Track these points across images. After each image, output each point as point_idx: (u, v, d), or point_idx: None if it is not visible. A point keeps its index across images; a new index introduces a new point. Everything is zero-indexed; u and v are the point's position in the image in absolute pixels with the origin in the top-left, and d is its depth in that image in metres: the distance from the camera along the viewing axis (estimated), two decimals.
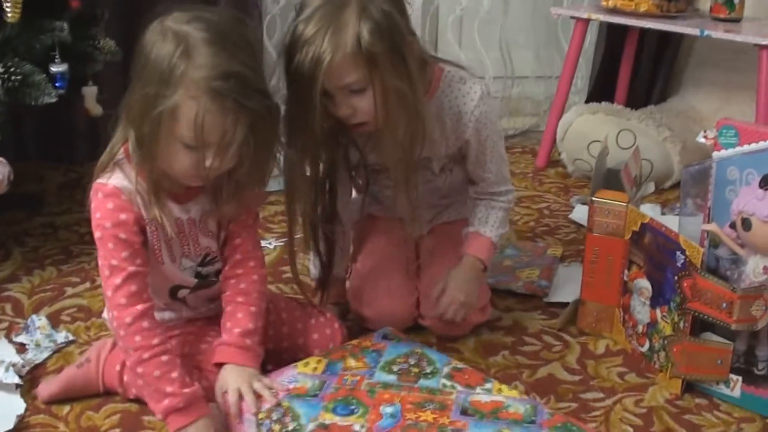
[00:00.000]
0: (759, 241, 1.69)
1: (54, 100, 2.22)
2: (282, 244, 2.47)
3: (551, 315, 2.14)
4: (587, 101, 3.37)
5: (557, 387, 1.84)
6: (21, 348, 1.95)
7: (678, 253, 1.77)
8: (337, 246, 2.01)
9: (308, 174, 1.86)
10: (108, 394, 1.77)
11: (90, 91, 2.50)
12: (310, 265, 2.06)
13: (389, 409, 1.62)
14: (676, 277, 1.78)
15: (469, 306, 1.96)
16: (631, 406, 1.79)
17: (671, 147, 2.95)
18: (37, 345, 1.96)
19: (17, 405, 1.74)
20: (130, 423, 1.71)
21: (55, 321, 2.08)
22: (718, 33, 2.80)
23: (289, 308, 1.90)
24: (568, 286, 2.23)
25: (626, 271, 1.95)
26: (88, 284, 2.28)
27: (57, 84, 2.27)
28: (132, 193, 1.62)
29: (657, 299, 1.85)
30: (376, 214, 2.12)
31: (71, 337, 2.00)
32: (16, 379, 1.79)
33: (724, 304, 1.71)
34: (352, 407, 1.63)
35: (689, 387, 1.84)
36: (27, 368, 1.86)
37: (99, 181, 1.64)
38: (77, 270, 2.36)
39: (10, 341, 1.98)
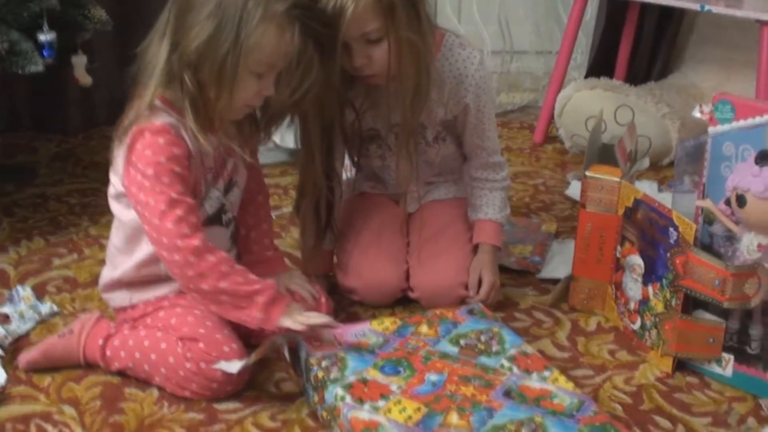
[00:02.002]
0: (754, 217, 1.66)
1: (41, 69, 2.20)
2: (275, 216, 2.45)
3: (543, 291, 2.11)
4: (586, 77, 3.34)
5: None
6: (4, 319, 1.93)
7: (671, 229, 1.74)
8: (335, 209, 2.01)
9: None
10: (89, 366, 1.75)
11: (79, 61, 2.47)
12: (300, 237, 2.04)
13: (434, 377, 1.61)
14: (668, 254, 1.76)
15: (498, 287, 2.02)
16: (621, 383, 1.77)
17: (670, 124, 2.92)
18: (21, 316, 1.93)
19: None
20: (112, 394, 1.69)
21: (40, 292, 2.06)
22: (718, 8, 2.76)
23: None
24: (561, 263, 2.20)
25: (619, 248, 1.92)
26: (75, 255, 2.26)
27: (44, 53, 2.24)
28: (178, 128, 1.64)
29: (649, 276, 1.83)
30: (368, 191, 2.11)
31: (56, 309, 1.98)
32: None
33: (717, 282, 1.68)
34: (400, 368, 1.63)
35: (680, 365, 1.81)
36: (10, 339, 1.84)
37: (141, 123, 1.63)
38: (65, 241, 2.34)
39: None
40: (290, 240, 2.29)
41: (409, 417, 1.50)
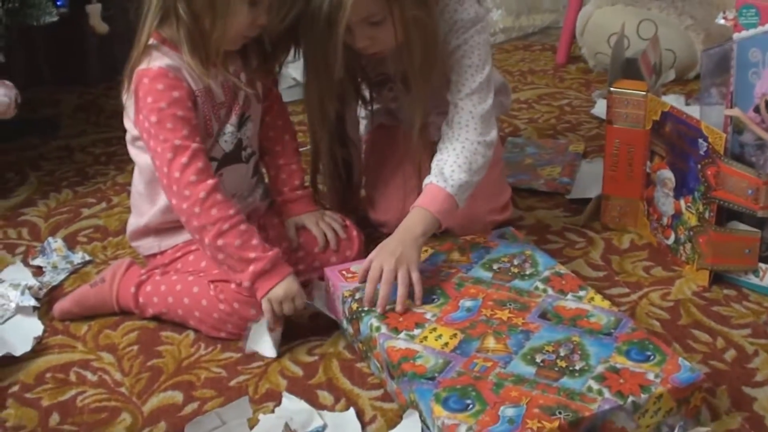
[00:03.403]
0: None
1: (56, 18, 2.19)
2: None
3: (574, 212, 2.09)
4: None
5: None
6: (38, 271, 1.94)
7: (700, 140, 1.72)
8: (354, 166, 2.01)
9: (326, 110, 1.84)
10: (123, 313, 1.76)
11: (94, 9, 2.47)
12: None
13: (468, 303, 1.61)
14: (699, 166, 1.73)
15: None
16: (658, 300, 1.75)
17: (694, 36, 2.87)
18: (54, 267, 1.95)
19: (35, 327, 1.73)
20: (149, 339, 1.70)
21: (71, 242, 2.06)
22: None
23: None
24: (591, 182, 2.18)
25: (648, 163, 1.90)
26: (104, 204, 2.27)
27: (58, 2, 2.23)
28: (177, 68, 1.62)
29: (681, 190, 1.80)
30: (387, 123, 2.08)
31: (88, 258, 1.99)
32: (33, 302, 1.78)
33: (750, 191, 1.66)
34: (434, 296, 1.63)
35: (717, 278, 1.79)
36: (44, 290, 1.86)
37: (140, 68, 1.62)
38: (93, 191, 2.35)
39: (27, 265, 1.97)
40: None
41: (446, 343, 1.50)
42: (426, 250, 1.77)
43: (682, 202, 1.80)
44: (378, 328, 1.54)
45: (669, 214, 1.85)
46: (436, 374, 1.42)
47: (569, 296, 1.62)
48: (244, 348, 1.63)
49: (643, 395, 1.36)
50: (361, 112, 2.08)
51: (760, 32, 1.67)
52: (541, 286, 1.65)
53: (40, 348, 1.68)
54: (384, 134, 2.06)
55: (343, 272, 1.71)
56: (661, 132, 1.84)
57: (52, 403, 1.54)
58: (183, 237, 1.75)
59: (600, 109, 2.64)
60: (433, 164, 1.78)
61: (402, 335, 1.52)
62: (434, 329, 1.54)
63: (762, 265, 1.74)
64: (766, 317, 1.68)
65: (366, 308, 1.59)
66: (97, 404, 1.53)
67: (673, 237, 1.85)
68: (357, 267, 1.70)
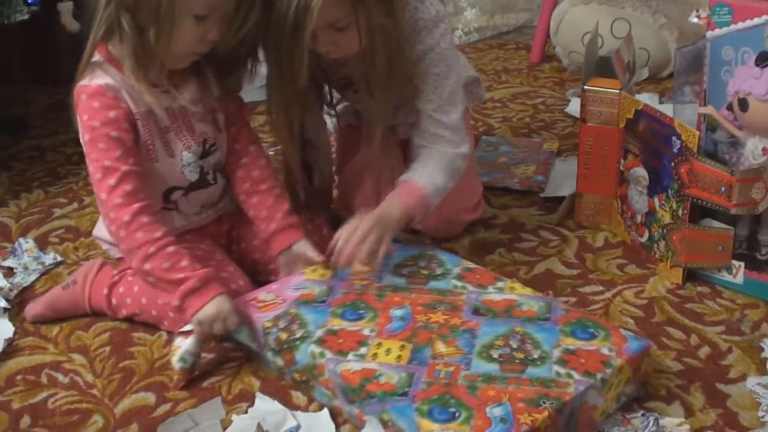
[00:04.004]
0: (757, 120, 1.64)
1: (26, 17, 2.18)
2: (273, 152, 2.42)
3: (548, 210, 2.10)
4: None
5: (555, 282, 1.81)
6: (9, 272, 1.92)
7: (674, 138, 1.72)
8: (315, 168, 1.99)
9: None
10: (96, 315, 1.74)
11: (66, 7, 2.45)
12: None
13: (399, 312, 1.58)
14: (672, 163, 1.73)
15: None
16: (632, 297, 1.75)
17: (668, 34, 2.88)
18: (25, 268, 1.93)
19: (6, 329, 1.72)
20: (121, 340, 1.68)
21: (43, 243, 2.05)
22: None
23: None
24: (564, 181, 2.18)
25: (622, 161, 1.90)
26: (75, 205, 2.25)
27: (29, 1, 2.22)
28: (117, 89, 1.59)
29: (654, 187, 1.81)
30: (354, 123, 2.07)
31: (59, 259, 1.98)
32: (3, 303, 1.77)
33: (723, 188, 1.66)
34: (361, 312, 1.59)
35: (691, 275, 1.80)
36: (15, 292, 1.84)
37: (81, 83, 1.60)
38: (65, 191, 2.33)
39: None
40: None
41: (399, 356, 1.47)
42: (327, 266, 1.72)
43: (655, 199, 1.80)
44: (322, 354, 1.48)
45: (643, 211, 1.85)
46: (407, 389, 1.39)
47: (490, 289, 1.62)
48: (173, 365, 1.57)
49: (607, 370, 1.39)
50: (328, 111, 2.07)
51: (733, 31, 1.68)
52: (458, 283, 1.65)
53: (10, 350, 1.67)
54: (353, 134, 2.04)
55: (253, 302, 1.64)
56: (634, 130, 1.84)
57: (22, 405, 1.52)
58: None
59: (574, 107, 2.64)
60: (411, 168, 1.78)
61: (351, 356, 1.47)
62: (379, 344, 1.50)
63: (735, 263, 1.74)
64: (740, 314, 1.69)
65: (298, 336, 1.53)
66: (68, 406, 1.52)
67: (646, 235, 1.85)
68: (265, 295, 1.65)
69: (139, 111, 1.62)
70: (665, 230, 1.79)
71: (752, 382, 1.49)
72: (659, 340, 1.62)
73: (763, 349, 1.57)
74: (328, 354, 1.48)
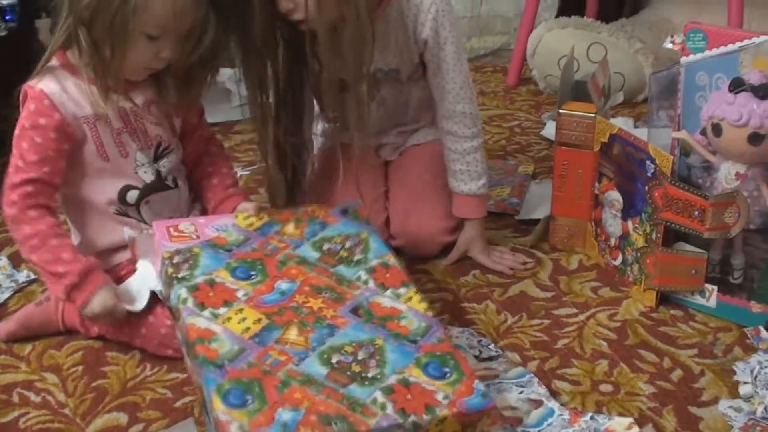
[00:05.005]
0: (730, 146, 1.65)
1: (4, 33, 2.16)
2: (248, 173, 2.43)
3: (523, 233, 2.10)
4: (557, 16, 3.31)
5: (529, 304, 1.81)
6: None
7: (648, 162, 1.73)
8: (299, 171, 1.98)
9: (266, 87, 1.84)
10: (69, 332, 1.74)
11: (44, 24, 2.43)
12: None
13: (284, 286, 1.55)
14: (646, 187, 1.74)
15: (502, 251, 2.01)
16: (605, 320, 1.76)
17: (643, 59, 2.90)
18: None
19: None
20: (93, 359, 1.67)
21: (16, 261, 2.03)
22: None
23: None
24: (539, 204, 2.19)
25: (597, 184, 1.91)
26: None
27: (6, 17, 2.21)
28: (59, 95, 1.62)
29: (628, 211, 1.82)
30: (342, 139, 2.07)
31: (33, 276, 1.96)
32: None
33: (696, 213, 1.67)
34: (252, 273, 1.57)
35: (664, 299, 1.80)
36: None
37: (29, 83, 1.64)
38: None
39: None
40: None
41: (247, 329, 1.44)
42: (261, 217, 1.71)
43: (629, 223, 1.81)
44: (185, 300, 1.48)
45: (617, 235, 1.86)
46: (226, 362, 1.37)
47: (388, 292, 1.57)
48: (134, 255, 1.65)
49: (425, 416, 1.32)
50: (318, 128, 2.08)
51: (707, 57, 1.70)
52: (363, 276, 1.60)
53: None
54: (342, 152, 2.03)
55: (170, 228, 1.64)
56: (609, 154, 1.86)
57: None
58: (125, 256, 1.73)
59: (549, 130, 2.65)
60: (456, 173, 1.96)
61: (206, 313, 1.46)
62: (241, 310, 1.48)
63: (708, 286, 1.75)
64: (713, 337, 1.70)
65: (179, 276, 1.54)
66: (40, 426, 1.51)
67: (620, 258, 1.86)
68: (186, 226, 1.65)
69: (87, 115, 1.64)
70: (639, 253, 1.80)
71: (724, 405, 1.50)
72: (632, 362, 1.62)
73: (735, 372, 1.58)
74: (190, 303, 1.48)
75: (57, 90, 1.62)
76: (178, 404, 1.54)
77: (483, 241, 1.98)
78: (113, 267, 1.73)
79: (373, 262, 1.63)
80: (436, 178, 2.00)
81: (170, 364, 1.64)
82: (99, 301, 1.60)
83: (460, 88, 1.92)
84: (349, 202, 1.79)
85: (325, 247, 1.66)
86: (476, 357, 1.64)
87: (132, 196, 1.71)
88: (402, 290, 1.57)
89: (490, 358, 1.64)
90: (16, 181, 1.61)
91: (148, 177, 1.72)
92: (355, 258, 1.64)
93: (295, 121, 1.92)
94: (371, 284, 1.58)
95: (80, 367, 1.65)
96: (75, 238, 1.76)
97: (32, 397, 1.58)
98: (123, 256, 1.73)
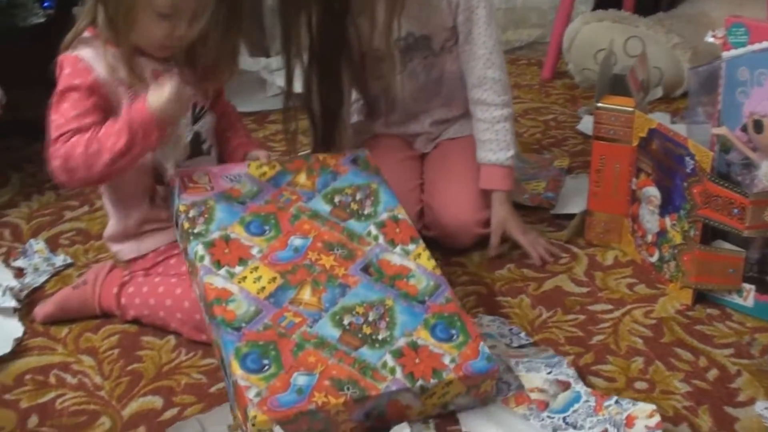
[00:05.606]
0: None
1: (42, 20, 2.18)
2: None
3: (558, 227, 2.09)
4: (594, 9, 3.28)
5: (564, 299, 1.81)
6: (19, 273, 1.93)
7: (687, 158, 1.72)
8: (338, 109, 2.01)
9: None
10: (105, 316, 1.75)
11: (82, 11, 2.44)
12: None
13: (298, 242, 1.58)
14: (685, 184, 1.73)
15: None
16: (641, 317, 1.75)
17: (681, 54, 2.88)
18: (36, 269, 1.93)
19: (15, 328, 1.72)
20: (130, 343, 1.69)
21: (53, 245, 2.05)
22: None
23: None
24: (575, 198, 2.18)
25: (634, 179, 1.90)
26: (87, 207, 2.26)
27: (45, 4, 2.22)
28: (93, 59, 1.64)
29: (666, 207, 1.81)
30: (381, 132, 2.08)
31: (69, 260, 1.98)
32: (13, 303, 1.77)
33: (736, 210, 1.66)
34: (266, 228, 1.60)
35: (700, 297, 1.79)
36: (25, 292, 1.85)
37: (63, 53, 1.66)
38: (76, 194, 2.33)
39: (8, 266, 1.95)
40: None
41: (263, 288, 1.48)
42: (273, 166, 1.72)
43: (667, 219, 1.80)
44: (202, 258, 1.52)
45: (654, 231, 1.85)
46: (243, 324, 1.42)
47: (398, 249, 1.61)
48: None
49: (432, 380, 1.39)
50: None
51: (749, 51, 1.68)
52: (374, 231, 1.63)
53: (19, 349, 1.67)
54: (377, 144, 2.07)
55: (185, 179, 1.66)
56: (647, 149, 1.84)
57: (30, 405, 1.53)
58: (163, 240, 1.74)
59: (585, 125, 2.64)
60: (484, 143, 1.95)
61: (222, 272, 1.50)
62: (256, 268, 1.52)
63: (746, 285, 1.73)
64: (749, 337, 1.68)
65: (195, 231, 1.56)
66: (76, 407, 1.52)
67: (657, 255, 1.85)
68: (200, 177, 1.67)
69: (122, 78, 1.65)
70: (676, 250, 1.79)
71: (761, 406, 1.49)
72: (667, 360, 1.61)
73: None
74: (206, 260, 1.51)
75: (91, 54, 1.64)
76: (212, 390, 1.55)
77: (517, 219, 1.97)
78: (144, 255, 1.76)
79: (383, 215, 1.67)
80: (472, 172, 2.00)
81: (205, 349, 1.64)
82: (164, 90, 1.57)
83: (490, 53, 1.93)
84: (359, 151, 1.82)
85: (336, 199, 1.68)
86: (507, 345, 1.64)
87: (171, 171, 1.72)
88: (411, 246, 1.62)
89: (521, 347, 1.65)
90: (57, 135, 1.61)
91: (184, 147, 1.74)
92: (366, 211, 1.67)
93: (331, 94, 1.95)
94: (381, 240, 1.62)
95: (116, 351, 1.66)
96: (111, 223, 1.78)
97: (68, 378, 1.60)
98: (155, 241, 1.75)
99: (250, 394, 1.32)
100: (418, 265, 1.59)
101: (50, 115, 1.64)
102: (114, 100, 1.65)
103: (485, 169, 1.96)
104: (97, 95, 1.63)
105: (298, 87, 1.96)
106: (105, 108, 1.64)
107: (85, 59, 1.63)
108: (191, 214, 1.59)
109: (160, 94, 1.56)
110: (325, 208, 1.66)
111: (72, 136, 1.59)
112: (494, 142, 1.95)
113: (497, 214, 1.95)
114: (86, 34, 1.67)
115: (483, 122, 1.96)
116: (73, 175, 1.60)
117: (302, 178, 1.71)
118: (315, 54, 1.90)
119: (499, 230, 1.95)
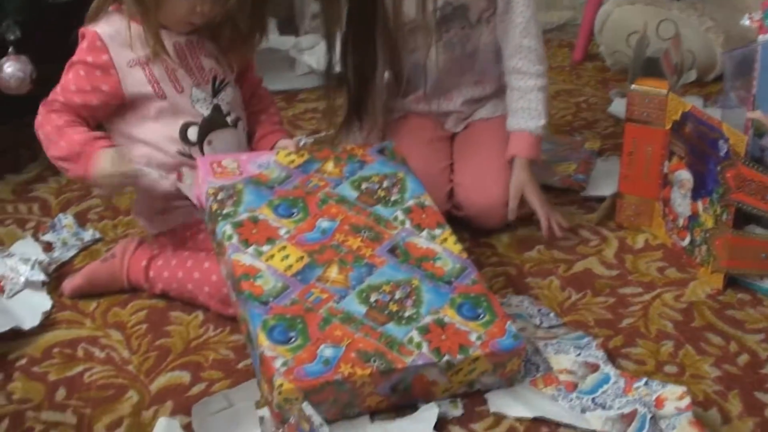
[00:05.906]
0: None
1: None
2: (312, 140, 2.42)
3: (588, 209, 2.07)
4: None
5: (594, 281, 1.79)
6: (48, 247, 1.94)
7: (721, 142, 1.70)
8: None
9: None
10: (133, 290, 1.76)
11: None
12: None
13: (325, 224, 1.59)
14: (718, 168, 1.72)
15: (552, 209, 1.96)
16: (671, 301, 1.74)
17: (714, 38, 2.85)
18: (64, 243, 1.94)
19: (44, 302, 1.73)
20: (158, 318, 1.69)
21: (82, 220, 2.05)
22: None
23: None
24: (606, 180, 2.16)
25: (666, 163, 1.88)
26: None
27: None
28: (111, 39, 1.67)
29: (698, 191, 1.79)
30: (412, 111, 2.07)
31: (98, 235, 1.98)
32: (42, 277, 1.78)
33: None
34: (294, 210, 1.60)
35: (732, 282, 1.78)
36: (54, 266, 1.85)
37: (85, 26, 1.69)
38: None
39: (37, 240, 1.96)
40: None
41: (290, 266, 1.49)
42: (302, 155, 1.73)
43: (699, 203, 1.79)
44: (230, 237, 1.53)
45: (685, 215, 1.84)
46: (271, 299, 1.43)
47: (424, 233, 1.61)
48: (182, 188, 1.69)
49: (459, 356, 1.40)
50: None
51: None
52: (400, 216, 1.64)
53: (48, 323, 1.68)
54: (408, 123, 2.07)
55: (214, 165, 1.67)
56: (680, 132, 1.83)
57: (59, 377, 1.54)
58: (191, 216, 1.74)
59: (617, 107, 2.62)
60: (516, 112, 1.95)
61: (251, 250, 1.51)
62: (284, 248, 1.53)
63: None
64: None
65: (224, 213, 1.57)
66: (104, 381, 1.53)
67: (688, 238, 1.84)
68: (229, 162, 1.67)
69: (138, 56, 1.67)
70: (708, 235, 1.77)
71: None
72: (698, 345, 1.60)
73: None
74: (234, 239, 1.52)
75: (111, 32, 1.66)
76: (240, 365, 1.56)
77: (536, 186, 1.94)
78: (173, 230, 1.77)
79: (410, 202, 1.67)
80: (502, 152, 1.98)
81: (233, 325, 1.65)
82: (106, 159, 1.61)
83: (527, 22, 1.92)
84: (385, 142, 1.83)
85: (363, 186, 1.68)
86: (536, 326, 1.63)
87: (192, 133, 1.73)
88: (437, 231, 1.62)
89: (551, 327, 1.64)
90: (50, 98, 1.69)
91: (206, 111, 1.74)
92: (392, 198, 1.67)
93: (365, 61, 1.95)
94: (408, 225, 1.62)
95: (144, 326, 1.67)
96: (138, 198, 1.80)
97: (96, 352, 1.60)
98: (183, 216, 1.76)
99: (277, 364, 1.33)
100: (445, 248, 1.59)
101: (62, 74, 1.70)
102: (123, 83, 1.67)
103: (514, 135, 1.95)
104: (105, 74, 1.66)
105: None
106: (109, 92, 1.67)
107: (104, 38, 1.66)
108: (220, 196, 1.60)
109: (103, 167, 1.61)
110: (352, 194, 1.66)
111: (58, 108, 1.67)
112: (526, 111, 1.94)
113: (517, 178, 1.93)
114: (109, 8, 1.68)
115: (517, 91, 1.95)
116: (41, 142, 1.71)
117: (330, 166, 1.72)
118: (351, 21, 1.89)
119: (518, 193, 1.93)
